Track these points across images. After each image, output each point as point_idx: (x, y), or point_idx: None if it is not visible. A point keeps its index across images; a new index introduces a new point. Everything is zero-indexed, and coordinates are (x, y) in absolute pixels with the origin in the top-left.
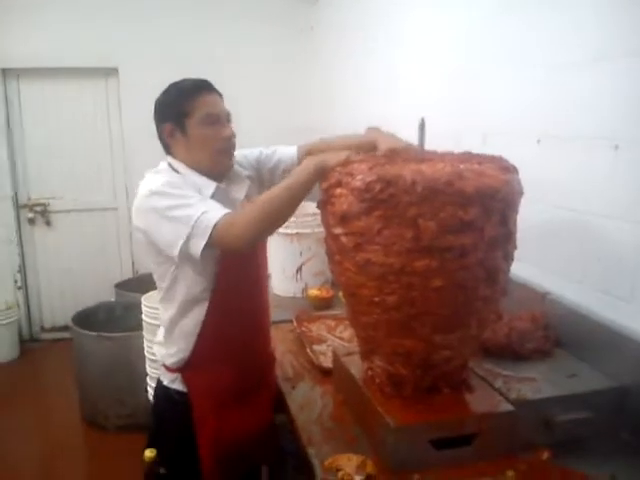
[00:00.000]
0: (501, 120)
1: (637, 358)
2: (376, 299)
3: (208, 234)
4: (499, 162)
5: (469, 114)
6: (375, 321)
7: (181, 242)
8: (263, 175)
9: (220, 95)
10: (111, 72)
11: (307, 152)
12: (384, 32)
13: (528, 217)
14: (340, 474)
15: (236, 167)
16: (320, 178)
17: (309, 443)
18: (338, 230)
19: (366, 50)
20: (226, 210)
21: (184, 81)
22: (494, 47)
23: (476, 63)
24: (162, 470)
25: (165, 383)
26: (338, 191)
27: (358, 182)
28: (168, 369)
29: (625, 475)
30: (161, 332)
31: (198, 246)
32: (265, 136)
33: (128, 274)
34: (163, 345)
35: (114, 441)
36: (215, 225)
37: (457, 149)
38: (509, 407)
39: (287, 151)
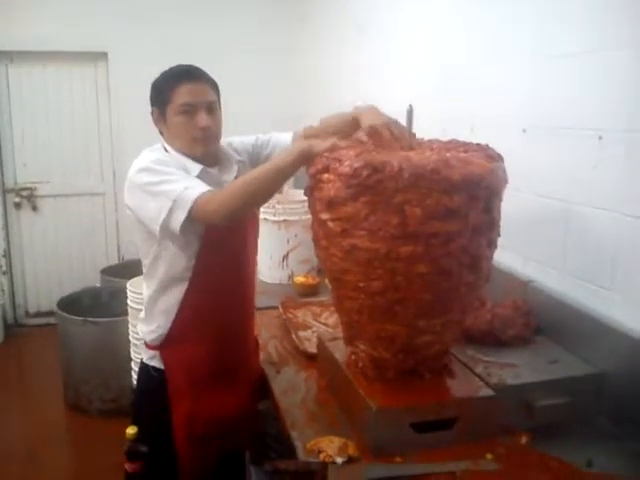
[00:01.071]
0: (488, 110)
1: (615, 345)
2: (361, 284)
3: (188, 208)
4: (485, 150)
5: (457, 103)
6: (359, 306)
7: (163, 215)
8: (259, 160)
9: (208, 82)
10: (100, 56)
11: (302, 138)
12: (375, 22)
13: (512, 205)
14: (322, 456)
15: (228, 152)
16: (305, 163)
17: (292, 426)
18: (325, 215)
19: (358, 39)
20: (209, 187)
21: (173, 68)
22: (482, 37)
23: (464, 53)
24: (143, 448)
25: (144, 360)
26: (325, 176)
27: (346, 168)
28: (148, 346)
29: (602, 459)
30: (143, 309)
31: (178, 220)
32: (259, 123)
33: (114, 260)
34: (144, 321)
35: (97, 425)
36: (196, 200)
37: (444, 138)
38: (489, 392)
39: (282, 137)
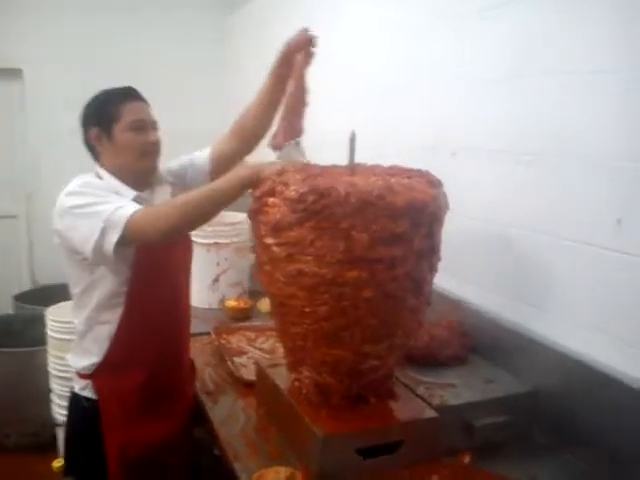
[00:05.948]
0: (417, 133)
1: (548, 362)
2: (307, 309)
3: (122, 226)
4: (426, 176)
5: (387, 128)
6: (304, 331)
7: (95, 237)
8: (185, 182)
9: (147, 103)
10: (15, 73)
11: (218, 151)
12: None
13: (446, 228)
14: None
15: (161, 175)
16: (250, 187)
17: (235, 458)
18: (269, 240)
19: None
20: (141, 206)
21: (112, 89)
22: (412, 64)
23: (394, 78)
24: None
25: (76, 390)
26: (271, 200)
27: (292, 192)
28: (80, 375)
29: (545, 475)
30: (76, 338)
31: (111, 241)
32: (182, 140)
33: (27, 285)
34: (75, 351)
35: (16, 461)
36: (129, 218)
37: (378, 162)
38: (433, 413)
39: (198, 155)
